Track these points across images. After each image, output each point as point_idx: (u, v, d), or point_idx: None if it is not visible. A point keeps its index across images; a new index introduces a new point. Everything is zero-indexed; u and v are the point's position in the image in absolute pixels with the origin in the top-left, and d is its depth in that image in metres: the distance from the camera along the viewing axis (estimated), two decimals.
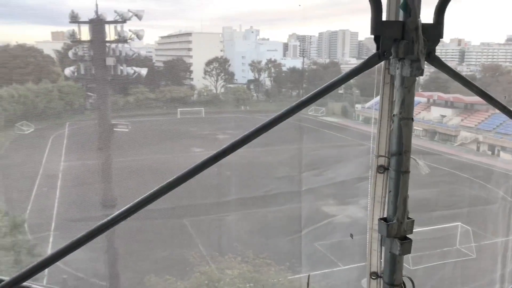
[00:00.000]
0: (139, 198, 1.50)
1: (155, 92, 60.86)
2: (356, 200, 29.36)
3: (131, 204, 1.48)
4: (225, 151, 1.29)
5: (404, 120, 2.46)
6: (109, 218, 1.46)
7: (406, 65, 2.40)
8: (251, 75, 75.67)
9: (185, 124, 52.36)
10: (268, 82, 74.16)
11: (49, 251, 24.31)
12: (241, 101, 63.45)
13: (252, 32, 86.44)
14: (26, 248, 22.80)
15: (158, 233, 23.15)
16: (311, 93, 2.30)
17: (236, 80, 75.14)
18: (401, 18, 2.41)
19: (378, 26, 2.35)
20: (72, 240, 1.24)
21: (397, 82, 2.46)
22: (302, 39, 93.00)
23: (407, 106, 2.46)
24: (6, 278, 1.10)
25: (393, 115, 2.50)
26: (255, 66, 73.81)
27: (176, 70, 70.16)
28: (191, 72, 74.88)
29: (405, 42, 2.36)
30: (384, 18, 2.43)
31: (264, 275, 19.60)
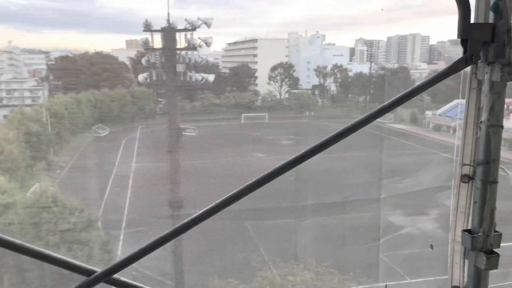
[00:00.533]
0: (221, 199, 1.57)
1: (220, 97, 62.34)
2: (434, 210, 28.08)
3: (212, 204, 1.54)
4: (304, 156, 1.30)
5: (493, 127, 2.33)
6: (192, 217, 1.53)
7: (496, 69, 2.28)
8: (316, 81, 75.06)
9: (249, 129, 53.02)
10: (333, 88, 73.10)
11: (120, 248, 25.67)
12: (306, 106, 63.07)
13: (318, 37, 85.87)
14: (99, 244, 24.19)
15: (223, 235, 23.57)
16: (393, 98, 2.25)
17: (301, 85, 74.89)
18: (491, 20, 2.31)
19: (466, 29, 2.26)
20: (160, 236, 1.32)
21: (485, 88, 2.35)
22: (369, 43, 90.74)
23: (496, 112, 2.34)
24: (98, 270, 1.18)
25: (480, 122, 2.39)
26: (320, 71, 73.13)
27: (241, 76, 71.35)
28: (255, 78, 75.78)
29: (495, 45, 2.25)
30: (471, 20, 2.34)
31: (327, 284, 19.27)
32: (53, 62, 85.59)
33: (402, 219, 28.56)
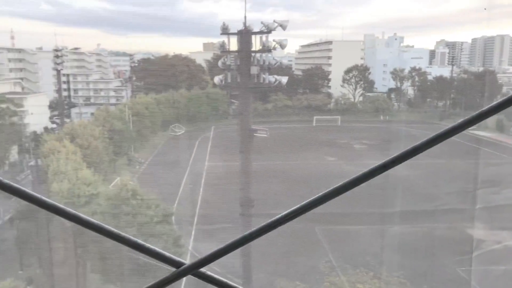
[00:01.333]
0: (306, 201, 1.46)
1: (292, 99, 62.30)
2: None
3: (297, 206, 1.44)
4: (395, 160, 1.14)
5: None
6: (278, 217, 1.45)
7: None
8: (392, 84, 72.28)
9: (320, 132, 52.35)
10: (411, 91, 69.86)
11: (191, 243, 26.56)
12: (381, 110, 60.94)
13: (396, 39, 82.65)
14: (172, 237, 25.15)
15: (294, 238, 23.45)
16: (494, 103, 2.00)
17: (376, 88, 72.57)
18: None
19: None
20: (244, 235, 1.25)
21: None
22: (452, 45, 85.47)
23: None
24: (186, 262, 1.14)
25: None
26: (397, 74, 70.36)
27: (315, 78, 70.74)
28: (329, 80, 74.75)
29: None
30: None
31: None
32: (136, 64, 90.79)
33: (495, 234, 26.33)
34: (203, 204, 31.15)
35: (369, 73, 72.03)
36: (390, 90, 71.34)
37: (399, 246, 25.00)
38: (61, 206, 1.13)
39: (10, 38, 74.61)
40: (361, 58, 78.61)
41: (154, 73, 64.97)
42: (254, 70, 23.63)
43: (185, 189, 34.85)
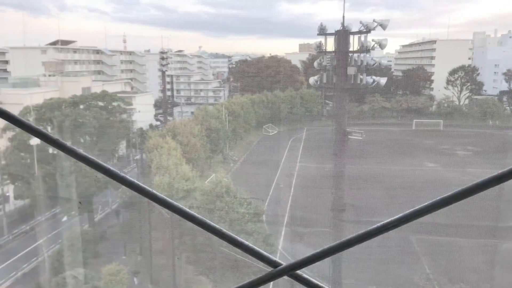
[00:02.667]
0: (412, 209, 1.30)
1: (390, 101, 59.67)
2: None
3: (401, 215, 1.29)
4: None
5: None
6: (378, 225, 1.31)
7: None
8: (504, 86, 65.67)
9: (420, 136, 49.40)
10: None
11: (281, 243, 26.77)
12: (489, 114, 55.61)
13: (511, 37, 74.92)
14: (262, 236, 25.53)
15: (387, 246, 22.48)
16: None
17: (485, 91, 66.48)
18: None
19: None
20: (342, 240, 1.14)
21: None
22: None
23: None
24: (283, 263, 1.08)
25: None
26: (511, 75, 63.73)
27: (416, 79, 67.01)
28: (431, 81, 70.31)
29: None
30: None
31: None
32: (234, 65, 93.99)
33: None
34: (294, 205, 31.15)
35: (478, 74, 66.26)
36: (502, 92, 64.88)
37: (511, 265, 22.61)
38: (170, 200, 1.16)
39: (123, 42, 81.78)
40: (469, 58, 72.64)
41: (250, 74, 66.65)
42: (351, 70, 23.04)
43: (276, 189, 35.21)
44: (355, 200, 27.17)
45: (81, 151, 1.26)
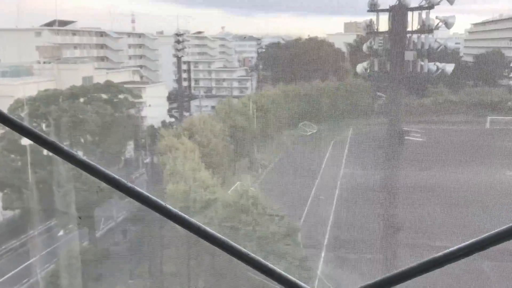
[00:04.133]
0: (489, 234, 1.28)
1: (458, 93, 58.35)
2: None
3: (476, 239, 1.27)
4: None
5: None
6: (446, 252, 1.29)
7: None
8: None
9: (496, 137, 48.07)
10: None
11: (320, 267, 26.61)
12: None
13: None
14: (297, 258, 25.46)
15: (451, 273, 22.04)
16: None
17: None
18: None
19: None
20: (403, 270, 1.12)
21: None
22: None
23: None
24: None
25: None
26: None
27: (491, 66, 65.39)
28: (511, 69, 68.50)
29: None
30: None
31: None
32: (264, 50, 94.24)
33: None
34: (337, 223, 30.92)
35: None
36: None
37: None
38: (184, 215, 1.16)
39: (131, 22, 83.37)
40: None
41: (284, 61, 66.72)
42: (409, 55, 22.77)
43: (314, 202, 35.01)
44: (413, 218, 26.69)
45: (80, 156, 1.28)
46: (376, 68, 23.96)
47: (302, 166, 42.38)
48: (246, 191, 25.81)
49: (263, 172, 43.74)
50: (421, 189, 31.10)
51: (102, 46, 74.08)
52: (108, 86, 37.91)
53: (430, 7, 22.43)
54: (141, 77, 69.88)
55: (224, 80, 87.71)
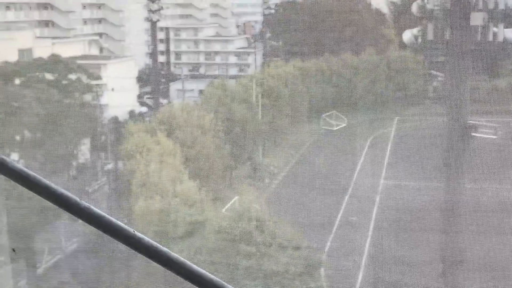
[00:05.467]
0: None
1: None
2: None
3: None
4: None
5: None
6: None
7: None
8: None
9: None
10: None
11: None
12: None
13: None
14: None
15: None
16: None
17: None
18: None
19: None
20: None
21: None
22: None
23: None
24: None
25: None
26: None
27: None
28: None
29: None
30: None
31: None
32: (273, 11, 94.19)
33: None
34: (375, 256, 30.90)
35: None
36: None
37: None
38: (159, 246, 1.14)
39: None
40: None
41: (301, 26, 66.54)
42: (476, 19, 22.77)
43: (343, 223, 34.93)
44: (483, 249, 26.59)
45: (13, 161, 1.27)
46: (430, 37, 24.01)
47: (326, 175, 42.24)
48: (247, 210, 25.82)
49: (272, 183, 43.63)
50: (495, 208, 30.95)
51: (45, 6, 74.05)
52: (55, 62, 37.93)
53: None
54: (101, 49, 69.89)
55: (217, 53, 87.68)
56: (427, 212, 28.61)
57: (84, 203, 1.03)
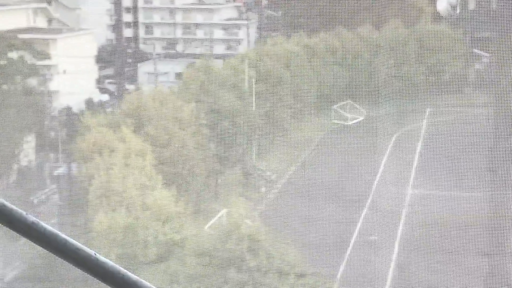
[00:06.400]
0: None
1: None
2: None
3: None
4: None
5: None
6: None
7: None
8: None
9: None
10: None
11: None
12: None
13: None
14: None
15: None
16: None
17: None
18: None
19: None
20: None
21: None
22: None
23: None
24: None
25: None
26: None
27: None
28: None
29: None
30: None
31: None
32: None
33: None
34: (401, 280, 31.03)
35: None
36: None
37: None
38: (126, 272, 1.15)
39: None
40: None
41: None
42: None
43: (360, 243, 35.05)
44: None
45: None
46: (472, 5, 24.12)
47: (338, 182, 42.30)
48: (237, 227, 25.87)
49: (269, 192, 43.67)
50: None
51: None
52: None
53: None
54: (50, 20, 69.68)
55: (198, 26, 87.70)
56: (465, 230, 28.78)
57: (31, 217, 1.02)
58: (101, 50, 67.15)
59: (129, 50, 74.36)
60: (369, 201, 40.07)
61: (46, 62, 44.33)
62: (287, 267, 25.30)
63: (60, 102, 47.27)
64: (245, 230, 25.94)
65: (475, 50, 56.58)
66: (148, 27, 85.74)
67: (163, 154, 34.06)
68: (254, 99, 46.72)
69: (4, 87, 36.35)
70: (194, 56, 69.39)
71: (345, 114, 52.46)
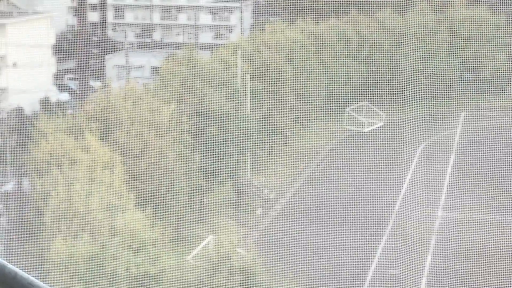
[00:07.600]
0: None
1: None
2: None
3: None
4: None
5: None
6: None
7: None
8: None
9: None
10: None
11: None
12: None
13: None
14: None
15: None
16: None
17: None
18: None
19: None
20: None
21: None
22: None
23: None
24: None
25: None
26: None
27: None
28: None
29: None
30: None
31: None
32: None
33: None
34: None
35: None
36: None
37: None
38: None
39: None
40: None
41: None
42: None
43: (379, 279, 35.25)
44: None
45: None
46: None
47: (351, 201, 42.53)
48: (227, 258, 25.93)
49: (266, 214, 43.81)
50: None
51: None
52: None
53: None
54: None
55: (180, 10, 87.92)
56: (510, 261, 29.16)
57: None
58: (60, 38, 67.42)
59: (95, 38, 74.61)
60: (390, 226, 40.35)
61: None
62: None
63: (9, 102, 47.36)
64: (236, 262, 25.91)
65: None
66: (118, 10, 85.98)
67: (136, 166, 34.08)
68: (248, 100, 46.81)
69: None
70: (175, 46, 69.79)
71: (361, 119, 52.57)
